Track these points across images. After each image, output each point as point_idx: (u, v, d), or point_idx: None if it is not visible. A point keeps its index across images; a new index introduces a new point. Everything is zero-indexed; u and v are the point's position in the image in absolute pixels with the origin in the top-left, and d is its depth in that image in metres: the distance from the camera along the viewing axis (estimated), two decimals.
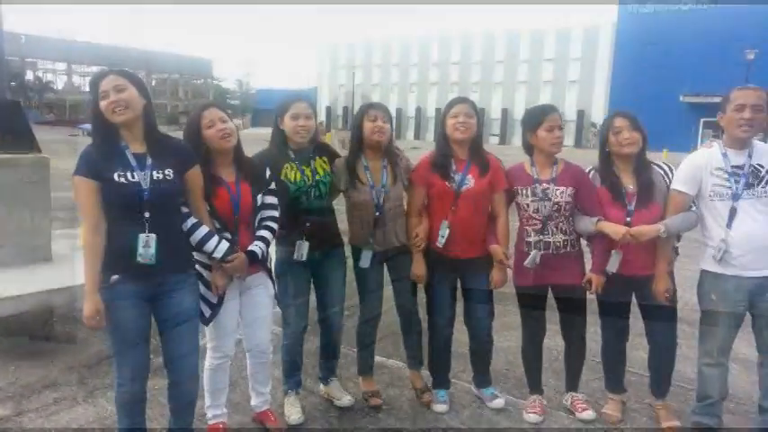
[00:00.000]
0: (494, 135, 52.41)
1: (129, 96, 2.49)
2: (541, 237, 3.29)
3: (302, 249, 3.21)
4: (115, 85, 2.47)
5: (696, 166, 3.14)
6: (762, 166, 3.04)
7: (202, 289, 2.85)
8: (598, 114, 47.39)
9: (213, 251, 2.76)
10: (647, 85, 40.33)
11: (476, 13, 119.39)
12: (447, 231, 3.31)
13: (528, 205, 3.31)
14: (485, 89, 53.63)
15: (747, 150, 3.06)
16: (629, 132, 3.19)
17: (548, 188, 3.28)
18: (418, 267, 3.42)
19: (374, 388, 3.58)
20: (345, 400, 3.47)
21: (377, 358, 3.88)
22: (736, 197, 3.03)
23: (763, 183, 3.03)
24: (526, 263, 3.29)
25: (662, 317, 3.31)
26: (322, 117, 55.74)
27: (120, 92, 2.47)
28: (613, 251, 3.22)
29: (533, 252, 3.28)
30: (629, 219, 3.19)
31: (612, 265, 3.24)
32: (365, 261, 3.38)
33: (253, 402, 3.30)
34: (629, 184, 3.25)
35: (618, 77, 44.66)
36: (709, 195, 3.10)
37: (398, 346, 3.81)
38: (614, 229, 3.15)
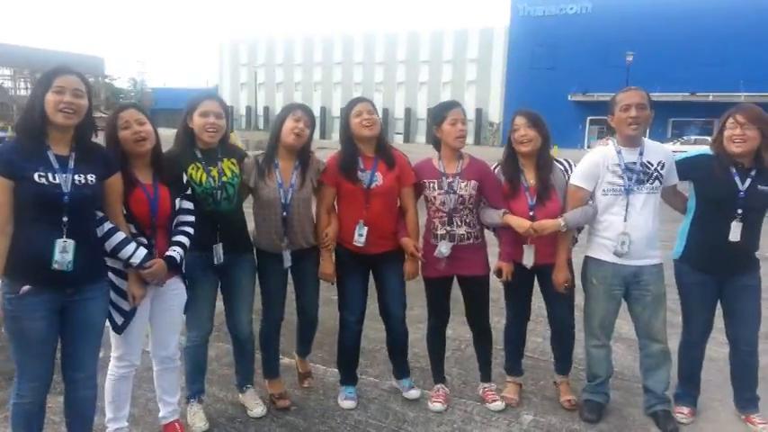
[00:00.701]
0: (398, 134, 53.26)
1: (82, 104, 2.44)
2: (448, 229, 3.40)
3: (219, 252, 3.15)
4: (74, 89, 2.42)
5: (594, 163, 3.35)
6: (651, 164, 3.29)
7: (114, 296, 2.75)
8: (495, 113, 49.36)
9: (130, 257, 2.67)
10: (539, 85, 42.46)
11: (378, 14, 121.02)
12: (365, 230, 3.36)
13: (435, 198, 3.42)
14: (388, 89, 54.34)
15: (639, 148, 3.31)
16: (525, 130, 3.36)
17: (453, 181, 3.40)
18: (327, 267, 3.44)
19: (281, 390, 3.56)
20: (257, 411, 3.39)
21: (283, 360, 3.86)
22: (628, 192, 3.28)
23: (651, 179, 3.29)
24: (436, 254, 3.40)
25: (562, 300, 3.53)
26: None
27: (77, 97, 2.41)
28: (525, 246, 3.40)
29: (441, 243, 3.39)
30: (531, 212, 3.37)
31: (528, 259, 3.41)
32: (287, 261, 3.37)
33: (161, 413, 3.17)
34: (532, 179, 3.43)
35: (512, 78, 46.70)
36: (604, 190, 3.32)
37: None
38: (519, 223, 3.32)
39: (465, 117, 3.46)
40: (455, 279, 3.57)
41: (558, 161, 3.51)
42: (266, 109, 57.68)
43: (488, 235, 3.60)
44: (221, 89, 62.44)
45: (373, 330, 4.17)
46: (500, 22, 49.99)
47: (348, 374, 3.66)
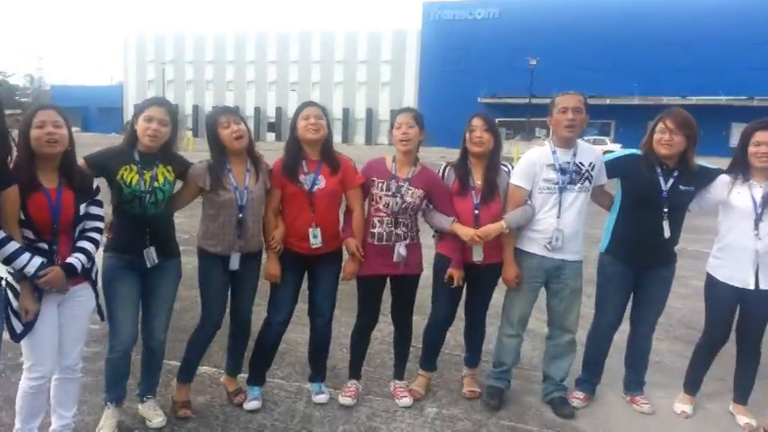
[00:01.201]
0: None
1: None
2: (387, 228, 3.43)
3: (152, 255, 3.06)
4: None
5: (531, 163, 3.48)
6: (583, 165, 3.46)
7: (15, 303, 2.60)
8: None
9: (25, 266, 2.53)
10: (450, 87, 43.64)
11: (292, 13, 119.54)
12: (319, 232, 3.34)
13: (380, 198, 3.44)
14: (303, 89, 53.94)
15: (573, 150, 3.47)
16: (481, 132, 3.45)
17: (402, 186, 3.43)
18: (273, 267, 3.39)
19: (186, 398, 3.43)
20: (157, 421, 3.26)
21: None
22: (562, 190, 3.43)
23: (582, 179, 3.46)
24: (395, 258, 3.44)
25: (484, 295, 3.67)
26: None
27: None
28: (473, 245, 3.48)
29: (398, 245, 3.43)
30: (476, 211, 3.47)
31: (478, 255, 3.48)
32: (235, 263, 3.29)
33: (53, 427, 2.98)
34: (479, 179, 3.51)
35: (425, 79, 47.69)
36: (540, 189, 3.46)
37: (209, 351, 3.70)
38: (464, 232, 3.41)
39: (415, 120, 3.44)
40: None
41: (503, 164, 3.61)
42: (195, 108, 55.77)
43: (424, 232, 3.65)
44: (126, 86, 59.80)
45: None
46: (413, 24, 50.95)
47: (257, 375, 3.59)
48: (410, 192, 3.42)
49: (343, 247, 3.50)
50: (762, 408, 3.61)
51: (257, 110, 55.65)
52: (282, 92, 54.37)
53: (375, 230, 3.44)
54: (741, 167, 3.37)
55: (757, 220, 3.26)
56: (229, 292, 3.42)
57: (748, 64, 38.64)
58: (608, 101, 38.86)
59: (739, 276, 3.34)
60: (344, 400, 3.55)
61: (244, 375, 3.63)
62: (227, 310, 3.45)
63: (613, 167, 3.56)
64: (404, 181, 3.44)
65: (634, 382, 3.74)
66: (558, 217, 3.42)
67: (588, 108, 3.46)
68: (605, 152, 3.87)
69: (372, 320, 3.64)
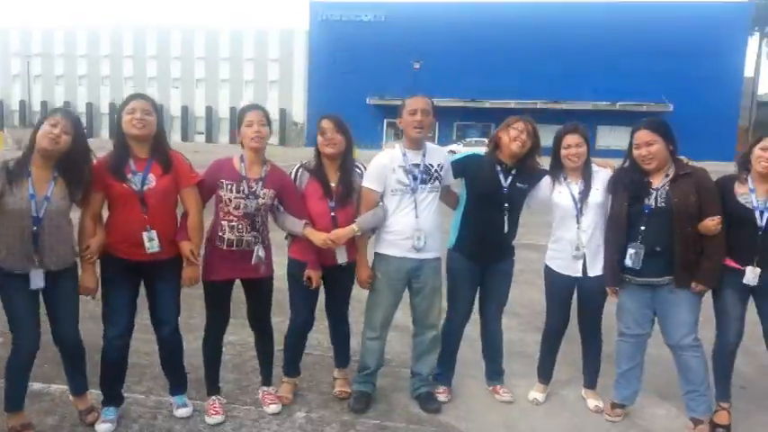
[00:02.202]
0: (199, 133, 51.06)
1: None
2: (237, 234, 3.31)
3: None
4: None
5: (382, 165, 3.51)
6: (432, 165, 3.54)
7: None
8: (299, 114, 49.67)
9: None
10: (340, 88, 43.68)
11: (174, 8, 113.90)
12: (155, 234, 3.12)
13: (230, 200, 3.29)
14: (186, 86, 51.77)
15: (423, 151, 3.54)
16: (333, 134, 3.43)
17: (255, 187, 3.31)
18: (88, 280, 3.16)
19: (23, 420, 3.14)
20: None
21: (37, 385, 3.50)
22: (414, 191, 3.48)
23: (432, 179, 3.54)
24: (254, 260, 3.31)
25: (341, 294, 3.68)
26: None
27: None
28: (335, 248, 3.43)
29: (256, 248, 3.31)
30: (332, 213, 3.44)
31: (341, 257, 3.47)
32: (37, 281, 2.96)
33: None
34: (334, 181, 3.49)
35: (314, 79, 47.43)
36: (392, 191, 3.49)
37: (60, 370, 3.41)
38: (317, 237, 3.36)
39: (265, 119, 3.36)
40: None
41: (357, 165, 3.61)
42: (44, 104, 51.44)
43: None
44: None
45: (143, 343, 3.90)
46: (300, 24, 50.46)
47: (111, 394, 3.35)
48: (263, 193, 3.34)
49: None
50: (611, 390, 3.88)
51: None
52: (164, 89, 51.82)
53: (225, 235, 3.31)
54: (558, 169, 3.63)
55: (578, 215, 3.54)
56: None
57: (613, 72, 41.97)
58: (488, 104, 40.74)
59: (570, 266, 3.61)
60: (211, 419, 3.39)
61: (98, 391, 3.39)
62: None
63: (458, 167, 3.69)
64: (256, 181, 3.34)
65: (493, 372, 3.91)
66: (417, 217, 3.49)
67: (436, 112, 3.57)
68: (450, 152, 4.02)
69: (221, 327, 3.51)
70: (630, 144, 3.44)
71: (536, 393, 3.82)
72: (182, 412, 3.42)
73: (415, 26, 43.53)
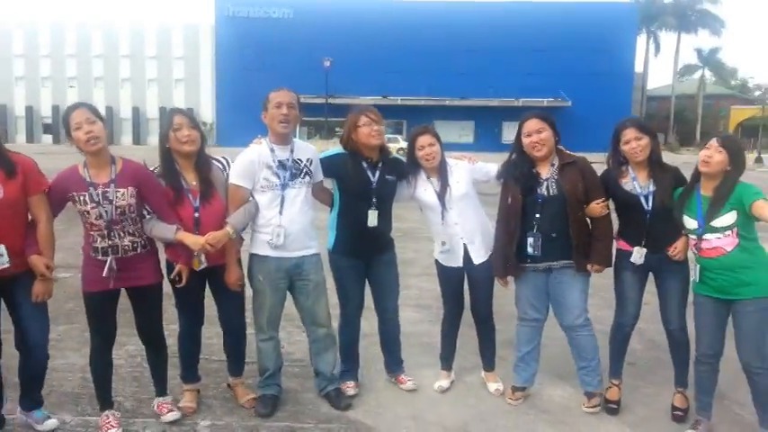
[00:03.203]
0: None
1: None
2: (110, 242, 3.11)
3: None
4: None
5: (249, 161, 3.41)
6: (301, 161, 3.50)
7: None
8: (207, 113, 48.15)
9: None
10: (250, 86, 42.60)
11: (69, 6, 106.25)
12: (3, 249, 2.89)
13: (89, 212, 3.07)
14: (84, 85, 48.88)
15: (290, 146, 3.49)
16: (189, 130, 3.28)
17: (108, 191, 3.09)
18: None
19: None
20: None
21: None
22: (283, 187, 3.42)
23: (302, 174, 3.49)
24: (104, 274, 3.10)
25: (233, 301, 3.53)
26: None
27: None
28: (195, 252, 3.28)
29: (109, 259, 3.10)
30: (197, 214, 3.29)
31: (201, 262, 3.31)
32: None
33: None
34: (193, 180, 3.34)
35: (222, 77, 46.14)
36: (261, 187, 3.41)
37: None
38: (193, 241, 3.21)
39: (96, 115, 3.10)
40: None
41: (215, 159, 3.50)
42: None
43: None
44: None
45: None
46: (205, 19, 48.96)
47: None
48: (119, 194, 3.10)
49: None
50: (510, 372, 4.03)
51: (29, 109, 49.27)
52: (59, 88, 48.66)
53: (98, 245, 3.12)
54: (415, 168, 3.74)
55: (443, 211, 3.67)
56: None
57: (516, 70, 43.67)
58: (399, 101, 41.28)
59: (451, 258, 3.76)
60: None
61: None
62: None
63: (325, 166, 3.68)
64: (106, 185, 3.11)
65: (394, 361, 3.97)
66: (281, 214, 3.43)
67: (301, 106, 3.55)
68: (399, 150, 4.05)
69: (110, 339, 3.32)
70: (518, 136, 3.58)
71: (440, 381, 3.92)
72: (49, 424, 3.27)
73: (324, 23, 43.33)
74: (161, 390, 3.51)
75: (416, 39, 43.35)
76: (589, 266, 3.53)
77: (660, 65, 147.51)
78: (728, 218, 3.10)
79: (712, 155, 3.11)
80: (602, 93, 42.85)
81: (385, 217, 3.69)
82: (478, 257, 3.71)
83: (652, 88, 54.69)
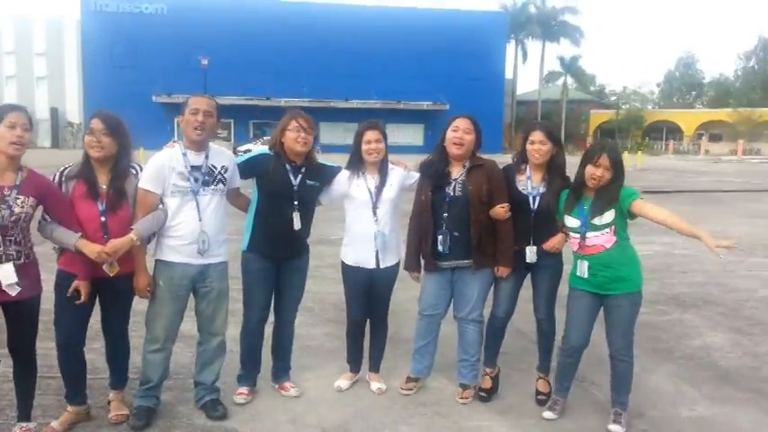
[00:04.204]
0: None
1: None
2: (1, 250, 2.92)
3: None
4: None
5: (160, 166, 3.31)
6: (216, 167, 3.43)
7: None
8: (74, 113, 44.88)
9: None
10: (121, 85, 40.38)
11: None
12: None
13: None
14: None
15: (205, 152, 3.41)
16: (100, 136, 3.16)
17: (9, 196, 2.92)
18: None
19: None
20: None
21: None
22: (195, 193, 3.33)
23: (216, 181, 3.42)
24: (4, 285, 2.90)
25: (122, 309, 3.43)
26: None
27: None
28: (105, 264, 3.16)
29: (5, 267, 2.90)
30: (103, 218, 3.17)
31: (112, 269, 3.19)
32: None
33: None
34: (104, 184, 3.21)
35: (90, 75, 43.17)
36: (172, 192, 3.30)
37: None
38: (91, 249, 3.09)
39: (29, 123, 3.01)
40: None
41: (131, 167, 3.35)
42: None
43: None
44: None
45: None
46: (70, 13, 45.50)
47: None
48: (20, 201, 2.98)
49: None
50: (392, 371, 4.15)
51: None
52: None
53: None
54: (357, 163, 3.82)
55: (374, 208, 3.75)
56: None
57: (398, 73, 44.70)
58: (283, 102, 40.79)
59: (364, 259, 3.82)
60: None
61: None
62: None
63: (246, 167, 3.67)
64: (10, 189, 2.98)
65: (282, 369, 3.95)
66: (200, 220, 3.38)
67: (219, 113, 3.49)
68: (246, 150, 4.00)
69: None
70: (442, 135, 3.73)
71: (342, 381, 3.99)
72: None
73: (199, 21, 41.84)
74: (24, 414, 3.25)
75: (299, 40, 43.10)
76: (496, 269, 3.74)
77: (528, 71, 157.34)
78: (608, 216, 3.38)
79: (603, 174, 3.33)
80: (476, 96, 44.78)
81: (305, 221, 3.70)
82: (386, 261, 3.80)
83: (521, 93, 58.17)
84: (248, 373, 3.85)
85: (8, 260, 2.97)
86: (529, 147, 3.67)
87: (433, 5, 47.11)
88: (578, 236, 3.47)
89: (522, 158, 3.77)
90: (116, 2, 42.62)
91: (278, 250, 3.69)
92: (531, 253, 3.69)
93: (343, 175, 3.84)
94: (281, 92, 41.61)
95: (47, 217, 3.15)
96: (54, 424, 3.30)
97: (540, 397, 3.83)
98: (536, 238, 3.69)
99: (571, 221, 3.50)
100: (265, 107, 41.28)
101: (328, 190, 3.85)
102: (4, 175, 3.00)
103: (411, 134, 44.30)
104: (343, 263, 3.92)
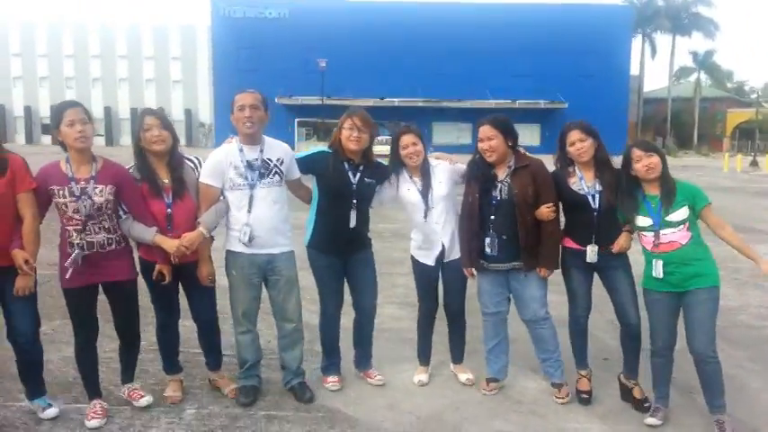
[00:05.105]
0: (99, 135, 48.49)
1: None
2: (84, 237, 3.24)
3: None
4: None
5: (218, 162, 3.56)
6: (271, 160, 3.62)
7: None
8: (205, 114, 48.27)
9: None
10: (246, 86, 41.91)
11: (66, 6, 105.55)
12: None
13: (67, 205, 3.20)
14: (81, 85, 49.01)
15: (260, 146, 3.61)
16: (159, 131, 3.42)
17: (87, 187, 3.23)
18: None
19: None
20: None
21: None
22: (252, 187, 3.55)
23: (271, 174, 3.61)
24: (67, 263, 3.22)
25: (204, 296, 3.69)
26: None
27: None
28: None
29: (75, 252, 3.21)
30: (169, 210, 3.44)
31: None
32: None
33: None
34: (166, 178, 3.48)
35: (219, 78, 46.18)
36: (230, 186, 3.55)
37: None
38: (169, 244, 3.36)
39: (88, 116, 3.27)
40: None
41: (187, 158, 3.64)
42: None
43: None
44: None
45: None
46: (202, 20, 49.04)
47: None
48: (98, 190, 3.24)
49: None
50: (476, 364, 4.14)
51: (27, 109, 49.41)
52: (57, 88, 48.80)
53: (74, 240, 3.24)
54: (398, 166, 3.87)
55: (426, 210, 3.82)
56: None
57: (513, 72, 43.80)
58: (396, 102, 41.41)
59: (429, 255, 3.91)
60: (91, 423, 3.35)
61: None
62: None
63: (304, 164, 3.83)
64: (87, 181, 3.25)
65: (364, 357, 4.10)
66: (249, 212, 3.55)
67: (267, 105, 3.64)
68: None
69: (92, 333, 3.46)
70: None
71: (418, 375, 4.06)
72: (50, 413, 3.40)
73: (318, 24, 43.41)
74: (128, 376, 3.65)
75: (413, 41, 43.50)
76: (538, 270, 3.70)
77: (656, 67, 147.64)
78: (682, 213, 3.33)
79: (653, 162, 3.33)
80: (598, 95, 43.00)
81: (362, 218, 3.83)
82: (451, 256, 3.87)
83: (649, 90, 54.93)
84: (332, 361, 4.02)
85: (90, 248, 3.24)
86: (570, 149, 3.61)
87: (550, 0, 45.40)
88: (651, 234, 3.39)
89: (566, 162, 3.71)
90: (242, 8, 45.27)
91: (338, 246, 3.82)
92: (592, 252, 3.61)
93: (391, 179, 3.91)
94: (395, 92, 42.22)
95: (123, 213, 3.39)
96: (167, 393, 3.70)
97: (639, 404, 3.69)
98: (599, 237, 3.60)
99: (642, 221, 3.43)
100: (380, 107, 42.12)
101: (380, 191, 3.93)
102: (80, 169, 3.27)
103: (527, 134, 43.25)
104: (411, 257, 4.05)
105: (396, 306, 5.59)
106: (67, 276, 3.26)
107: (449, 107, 43.06)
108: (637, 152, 3.42)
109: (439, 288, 4.05)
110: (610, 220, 3.56)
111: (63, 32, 49.22)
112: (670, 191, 3.36)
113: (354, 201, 3.74)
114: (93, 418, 3.38)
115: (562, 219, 3.76)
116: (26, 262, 3.13)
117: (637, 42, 49.72)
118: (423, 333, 4.12)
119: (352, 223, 3.74)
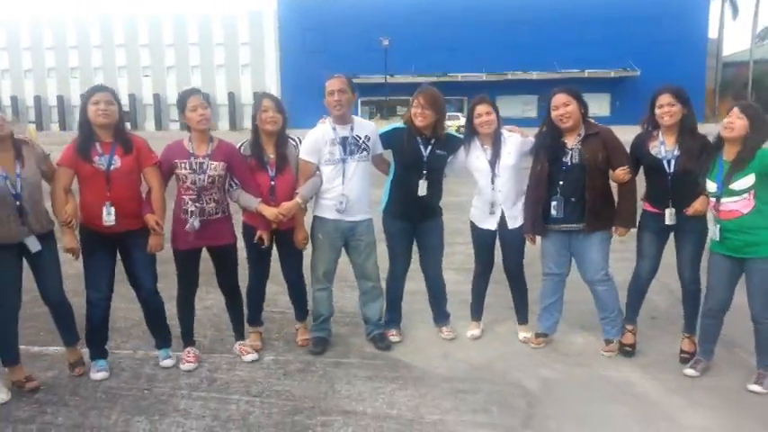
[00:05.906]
0: (173, 121, 50.71)
1: None
2: (198, 205, 3.79)
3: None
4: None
5: (315, 140, 4.04)
6: (360, 137, 4.07)
7: None
8: (248, 96, 49.13)
9: None
10: (312, 68, 43.27)
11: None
12: (112, 210, 3.60)
13: (186, 177, 3.77)
14: (157, 73, 51.41)
15: (350, 125, 4.07)
16: (274, 113, 3.91)
17: (204, 162, 3.78)
18: (70, 241, 3.62)
19: (23, 375, 3.62)
20: (0, 397, 3.46)
21: (35, 348, 4.09)
22: (344, 161, 4.01)
23: (360, 150, 4.06)
24: (187, 228, 3.77)
25: (295, 259, 4.21)
26: None
27: None
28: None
29: (192, 219, 3.76)
30: (272, 182, 3.95)
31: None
32: (35, 245, 3.49)
33: None
34: (271, 153, 3.98)
35: (286, 61, 47.30)
36: (325, 161, 4.02)
37: (55, 336, 3.94)
38: (270, 212, 3.87)
39: (207, 102, 3.84)
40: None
41: (291, 138, 4.12)
42: (14, 99, 51.17)
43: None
44: None
45: (125, 311, 4.54)
46: (268, 5, 50.10)
47: (96, 350, 3.87)
48: (212, 166, 3.78)
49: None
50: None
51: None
52: (134, 77, 51.44)
53: (188, 208, 3.77)
54: (472, 136, 4.17)
55: (493, 177, 4.10)
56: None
57: (580, 40, 42.48)
58: (460, 78, 41.13)
59: (487, 220, 4.21)
60: (186, 365, 3.89)
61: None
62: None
63: (384, 140, 4.23)
64: (204, 157, 3.79)
65: (440, 314, 4.50)
66: (343, 184, 4.01)
67: (354, 87, 4.06)
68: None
69: (191, 290, 4.01)
70: (548, 110, 3.96)
71: (472, 330, 4.43)
72: (167, 362, 3.95)
73: (382, 3, 43.51)
74: (239, 335, 4.19)
75: (475, 13, 42.94)
76: (613, 229, 3.91)
77: (738, 28, 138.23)
78: (746, 180, 3.36)
79: (734, 121, 3.38)
80: (673, 61, 41.04)
81: (434, 187, 4.19)
82: (513, 223, 4.16)
83: (728, 54, 51.75)
84: (393, 316, 4.43)
85: (201, 215, 3.78)
86: (658, 111, 3.72)
87: None
88: (714, 200, 3.50)
89: (652, 124, 3.83)
90: None
91: (410, 213, 4.21)
92: (670, 215, 3.76)
93: (463, 148, 4.22)
94: (458, 68, 41.92)
95: (233, 184, 3.94)
96: (249, 342, 4.19)
97: (683, 355, 3.90)
98: (675, 201, 3.74)
99: (710, 185, 3.52)
100: (443, 83, 42.00)
101: (451, 161, 4.26)
102: (200, 147, 3.83)
103: (596, 104, 42.00)
104: (470, 222, 4.36)
105: (453, 271, 5.90)
106: (185, 239, 3.82)
107: (513, 79, 42.35)
108: (664, 97, 3.66)
109: (496, 253, 4.36)
110: (686, 185, 3.67)
111: (138, 24, 51.57)
112: (744, 158, 3.35)
113: (425, 171, 4.11)
114: (187, 362, 3.93)
115: (642, 184, 3.92)
116: (157, 223, 3.71)
117: (716, 3, 46.93)
118: (476, 291, 4.46)
119: (422, 191, 4.11)
